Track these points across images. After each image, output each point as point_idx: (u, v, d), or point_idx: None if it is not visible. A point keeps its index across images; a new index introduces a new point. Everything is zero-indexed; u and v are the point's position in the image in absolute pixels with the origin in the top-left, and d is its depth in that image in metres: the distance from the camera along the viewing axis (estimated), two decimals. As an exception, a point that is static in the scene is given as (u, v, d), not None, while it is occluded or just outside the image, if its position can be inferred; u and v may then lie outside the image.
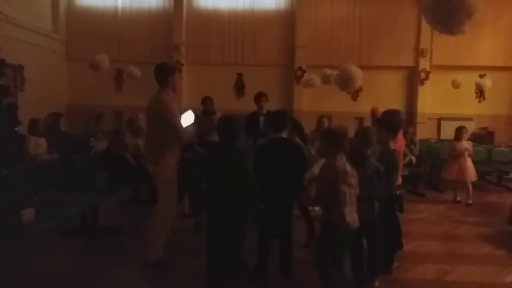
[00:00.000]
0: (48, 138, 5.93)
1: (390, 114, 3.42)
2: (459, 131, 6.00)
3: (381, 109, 3.71)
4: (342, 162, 2.65)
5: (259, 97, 4.98)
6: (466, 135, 6.10)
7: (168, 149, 3.33)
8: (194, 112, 3.68)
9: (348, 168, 2.65)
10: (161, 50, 9.83)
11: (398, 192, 3.57)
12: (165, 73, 3.39)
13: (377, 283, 3.17)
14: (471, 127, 8.77)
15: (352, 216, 2.66)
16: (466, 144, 5.96)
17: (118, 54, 9.67)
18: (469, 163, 5.93)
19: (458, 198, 6.09)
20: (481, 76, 9.50)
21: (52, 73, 9.45)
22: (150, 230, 3.42)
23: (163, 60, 9.15)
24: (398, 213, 4.64)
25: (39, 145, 5.66)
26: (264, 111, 4.90)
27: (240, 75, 10.19)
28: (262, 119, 4.80)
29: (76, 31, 10.00)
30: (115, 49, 9.67)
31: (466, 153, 5.85)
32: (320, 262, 2.72)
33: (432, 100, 9.98)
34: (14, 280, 3.09)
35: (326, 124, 5.51)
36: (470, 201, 5.90)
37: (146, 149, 3.63)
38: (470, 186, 5.93)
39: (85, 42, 9.69)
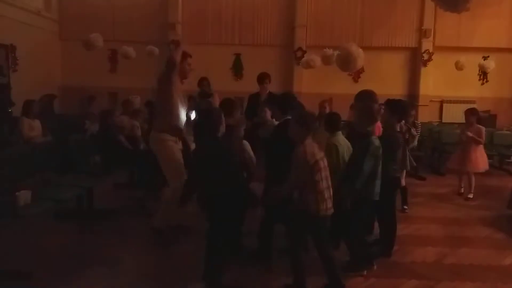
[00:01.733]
0: (43, 120, 5.86)
1: (397, 100, 3.52)
2: (471, 114, 5.12)
3: (382, 91, 3.79)
4: (311, 148, 2.58)
5: (263, 79, 4.88)
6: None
7: (170, 126, 3.45)
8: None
9: (317, 153, 2.59)
10: (156, 29, 9.57)
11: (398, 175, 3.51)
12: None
13: (375, 267, 3.14)
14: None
15: (325, 204, 2.61)
16: (477, 129, 5.09)
17: (112, 34, 9.37)
18: (475, 152, 5.11)
19: (462, 191, 5.45)
20: (485, 58, 9.30)
21: (45, 53, 9.23)
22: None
23: (158, 39, 9.07)
24: (405, 207, 4.63)
25: (33, 127, 5.60)
26: (267, 92, 4.85)
27: (238, 56, 9.96)
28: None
29: (69, 9, 9.70)
30: (109, 28, 9.36)
31: (467, 138, 5.07)
32: (294, 250, 2.70)
33: (435, 82, 9.80)
34: (10, 263, 3.07)
35: (327, 109, 5.39)
36: (470, 196, 5.22)
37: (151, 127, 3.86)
38: (473, 179, 5.20)
39: (78, 20, 9.40)
